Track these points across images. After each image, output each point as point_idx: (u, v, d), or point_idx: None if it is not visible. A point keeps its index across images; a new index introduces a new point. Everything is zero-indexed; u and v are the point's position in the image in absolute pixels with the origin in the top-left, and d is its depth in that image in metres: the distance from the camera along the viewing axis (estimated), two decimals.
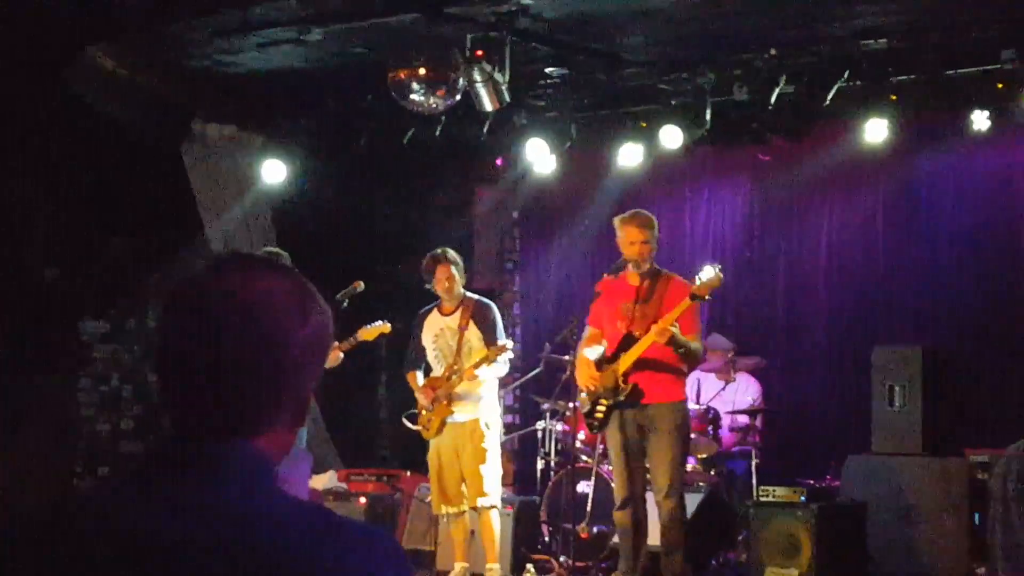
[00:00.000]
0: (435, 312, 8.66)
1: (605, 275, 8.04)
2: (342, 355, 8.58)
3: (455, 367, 8.39)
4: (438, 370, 8.54)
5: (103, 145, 10.11)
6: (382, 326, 8.62)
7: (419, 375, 8.68)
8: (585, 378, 7.75)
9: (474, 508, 8.40)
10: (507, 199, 12.50)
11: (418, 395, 8.58)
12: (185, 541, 1.59)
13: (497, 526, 8.46)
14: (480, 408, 8.43)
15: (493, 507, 8.40)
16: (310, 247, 10.59)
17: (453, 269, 8.49)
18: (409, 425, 8.65)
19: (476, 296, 8.70)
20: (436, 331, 8.58)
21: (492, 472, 8.39)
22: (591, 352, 7.85)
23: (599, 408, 7.65)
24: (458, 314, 8.51)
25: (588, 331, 8.02)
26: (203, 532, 1.60)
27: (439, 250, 8.57)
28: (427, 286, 8.59)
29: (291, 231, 11.24)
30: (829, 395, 11.11)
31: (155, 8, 8.90)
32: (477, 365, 8.29)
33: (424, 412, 8.52)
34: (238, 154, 11.20)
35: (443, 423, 8.41)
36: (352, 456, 11.32)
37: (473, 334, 8.44)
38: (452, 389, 8.38)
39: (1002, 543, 7.76)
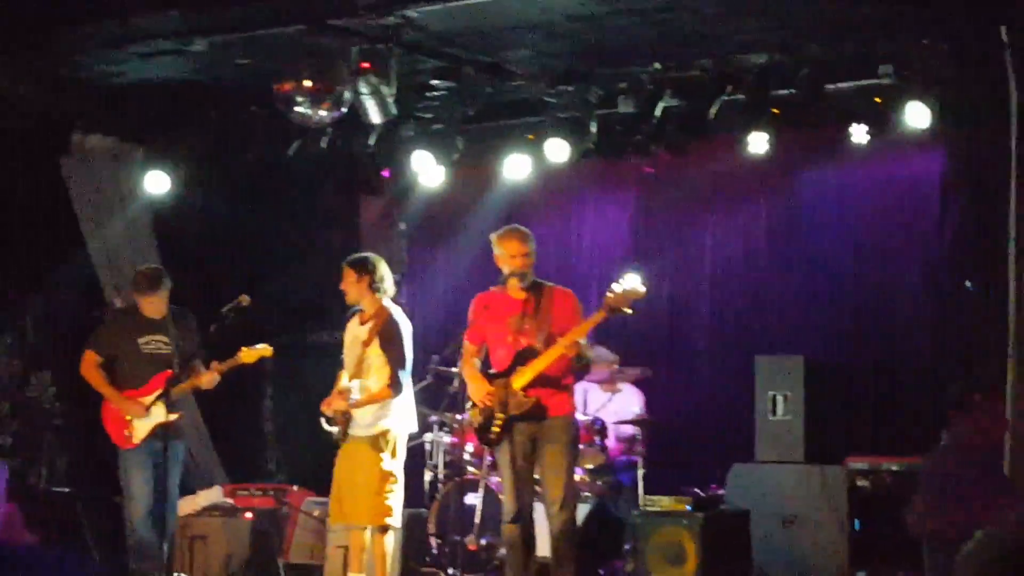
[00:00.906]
0: (356, 318, 8.31)
1: (492, 288, 8.00)
2: (218, 376, 8.40)
3: (359, 380, 8.09)
4: (347, 379, 8.22)
5: None
6: (263, 348, 8.36)
7: (343, 378, 8.27)
8: (480, 393, 7.70)
9: (368, 526, 8.08)
10: (394, 211, 12.47)
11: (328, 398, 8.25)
12: None
13: (389, 547, 8.10)
14: (375, 424, 8.06)
15: (388, 528, 8.06)
16: (194, 259, 10.51)
17: (350, 272, 8.15)
18: (326, 426, 8.34)
19: (392, 310, 8.21)
20: (351, 338, 8.25)
21: (390, 490, 8.02)
22: (474, 365, 7.83)
23: (495, 423, 7.61)
24: (369, 325, 8.14)
25: (467, 347, 7.92)
26: None
27: (352, 256, 8.34)
28: None
29: (174, 244, 11.11)
30: (713, 404, 11.21)
31: (33, 18, 8.74)
32: (355, 405, 8.01)
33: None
34: (120, 166, 11.04)
35: (346, 434, 8.08)
36: (238, 470, 11.20)
37: (374, 351, 8.08)
38: (345, 407, 8.06)
39: None
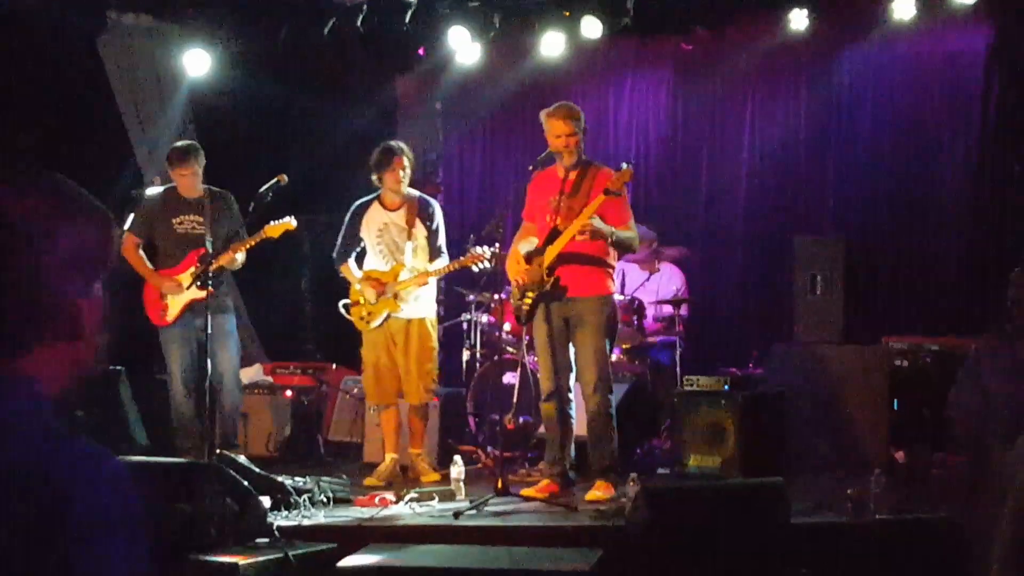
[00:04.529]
0: (376, 205, 8.52)
1: (530, 168, 7.97)
2: (241, 255, 8.43)
3: (403, 264, 8.37)
4: (380, 264, 8.46)
5: (13, 35, 9.81)
6: (287, 223, 8.40)
7: (352, 265, 8.59)
8: (514, 271, 7.75)
9: (417, 404, 8.52)
10: (430, 90, 12.36)
11: (361, 287, 8.46)
12: None
13: (429, 417, 8.76)
14: (426, 306, 8.51)
15: (430, 402, 8.66)
16: (231, 140, 10.46)
17: (407, 162, 8.41)
18: (345, 314, 8.58)
19: (419, 194, 8.61)
20: (380, 225, 8.47)
21: (435, 367, 8.57)
22: (524, 246, 7.83)
23: (526, 300, 7.66)
24: (404, 211, 8.44)
25: (523, 225, 8.00)
26: None
27: (392, 143, 8.48)
28: (373, 178, 8.46)
29: (209, 123, 11.06)
30: (752, 284, 11.23)
31: None
32: (434, 274, 8.40)
33: (362, 303, 8.45)
34: (156, 46, 10.97)
35: (387, 317, 8.39)
36: (276, 349, 11.28)
37: (420, 233, 8.42)
38: (403, 287, 8.34)
39: None
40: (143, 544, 1.71)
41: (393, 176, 8.39)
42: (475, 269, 8.45)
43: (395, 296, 8.36)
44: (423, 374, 8.44)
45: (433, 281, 8.60)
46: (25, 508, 1.59)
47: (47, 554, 1.60)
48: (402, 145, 8.49)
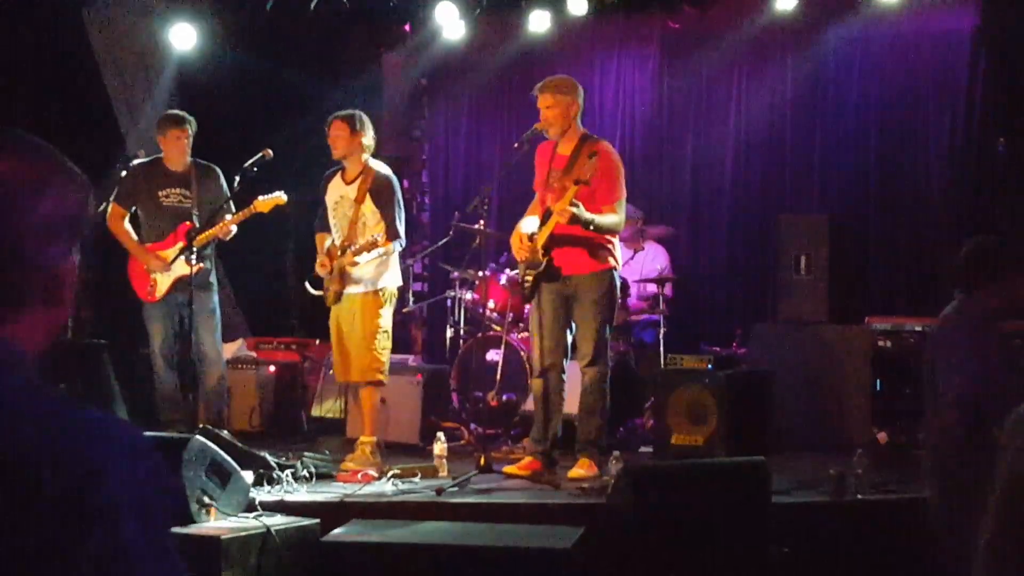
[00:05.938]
0: (338, 177, 8.16)
1: (515, 145, 7.90)
2: (235, 227, 8.37)
3: (347, 242, 7.96)
4: (337, 239, 8.12)
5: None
6: (277, 197, 8.30)
7: (328, 237, 8.23)
8: (516, 248, 7.72)
9: (352, 382, 8.23)
10: (415, 65, 12.32)
11: (318, 263, 8.21)
12: None
13: (375, 402, 8.13)
14: (376, 280, 8.00)
15: (378, 382, 8.07)
16: (217, 115, 10.39)
17: (344, 127, 7.94)
18: (311, 290, 8.40)
19: (378, 167, 8.10)
20: (336, 198, 8.12)
21: (382, 347, 8.02)
22: (528, 222, 7.76)
23: (527, 278, 7.64)
24: (357, 184, 8.02)
25: (536, 197, 7.88)
26: None
27: (343, 111, 8.12)
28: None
29: (195, 97, 11.00)
30: (736, 264, 11.23)
31: None
32: (358, 252, 7.83)
33: (324, 279, 8.28)
34: (141, 20, 10.91)
35: (339, 294, 8.05)
36: (261, 324, 11.25)
37: (368, 208, 7.96)
38: (344, 265, 7.95)
39: None
40: (168, 520, 1.70)
41: (330, 143, 8.04)
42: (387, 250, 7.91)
43: (341, 273, 8.00)
44: (364, 351, 7.96)
45: (393, 258, 8.10)
46: (56, 487, 1.57)
47: (80, 535, 1.57)
48: (344, 113, 8.05)
